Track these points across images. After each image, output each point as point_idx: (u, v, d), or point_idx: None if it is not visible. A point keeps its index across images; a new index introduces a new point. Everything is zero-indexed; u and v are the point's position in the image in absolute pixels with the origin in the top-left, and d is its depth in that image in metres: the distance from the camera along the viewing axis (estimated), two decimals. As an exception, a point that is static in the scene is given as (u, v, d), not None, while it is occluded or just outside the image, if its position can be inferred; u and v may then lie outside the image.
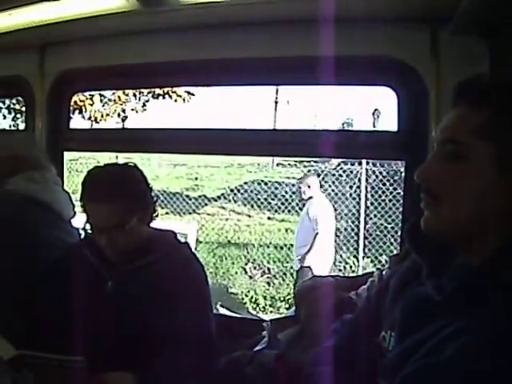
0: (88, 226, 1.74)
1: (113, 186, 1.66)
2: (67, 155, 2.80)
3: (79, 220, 1.95)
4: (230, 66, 2.29)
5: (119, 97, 10.28)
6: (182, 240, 1.89)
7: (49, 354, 1.44)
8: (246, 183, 10.21)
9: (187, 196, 9.74)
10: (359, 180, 8.08)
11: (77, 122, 9.67)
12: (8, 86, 2.93)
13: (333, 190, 8.16)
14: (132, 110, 11.02)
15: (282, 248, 8.65)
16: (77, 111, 9.72)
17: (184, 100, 10.31)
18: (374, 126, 11.66)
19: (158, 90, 9.93)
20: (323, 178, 8.35)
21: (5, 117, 10.04)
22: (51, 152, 2.54)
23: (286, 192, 8.83)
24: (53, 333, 1.64)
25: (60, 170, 2.51)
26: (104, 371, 1.49)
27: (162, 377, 1.57)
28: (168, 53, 2.38)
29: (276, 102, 17.21)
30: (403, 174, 2.37)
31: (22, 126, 8.73)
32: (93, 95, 9.73)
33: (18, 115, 9.91)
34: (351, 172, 8.18)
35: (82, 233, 1.84)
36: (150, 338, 1.64)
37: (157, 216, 1.83)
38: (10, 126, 9.96)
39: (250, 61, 2.28)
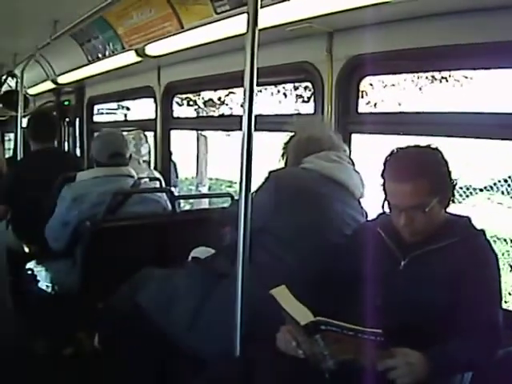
0: (386, 205, 1.78)
1: (418, 167, 1.68)
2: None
3: (370, 199, 2.03)
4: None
5: (398, 82, 10.27)
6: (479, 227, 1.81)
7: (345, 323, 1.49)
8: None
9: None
10: None
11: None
12: (296, 71, 3.14)
13: None
14: (409, 94, 10.89)
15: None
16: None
17: (461, 84, 9.83)
18: None
19: (434, 75, 9.62)
20: None
21: (280, 101, 10.71)
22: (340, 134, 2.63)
23: None
24: (347, 304, 1.74)
25: (348, 151, 2.60)
26: (394, 347, 1.51)
27: (448, 359, 1.55)
28: (453, 36, 2.26)
29: None
30: None
31: (302, 110, 9.26)
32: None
33: (299, 100, 10.52)
34: None
35: (378, 211, 1.90)
36: (438, 321, 1.64)
37: (453, 201, 1.79)
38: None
39: None
